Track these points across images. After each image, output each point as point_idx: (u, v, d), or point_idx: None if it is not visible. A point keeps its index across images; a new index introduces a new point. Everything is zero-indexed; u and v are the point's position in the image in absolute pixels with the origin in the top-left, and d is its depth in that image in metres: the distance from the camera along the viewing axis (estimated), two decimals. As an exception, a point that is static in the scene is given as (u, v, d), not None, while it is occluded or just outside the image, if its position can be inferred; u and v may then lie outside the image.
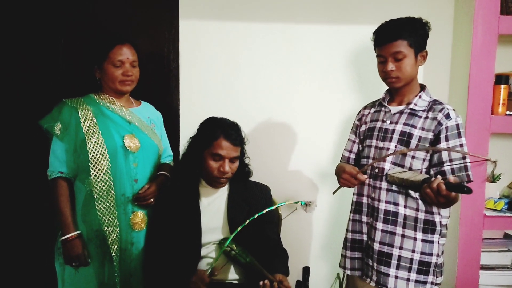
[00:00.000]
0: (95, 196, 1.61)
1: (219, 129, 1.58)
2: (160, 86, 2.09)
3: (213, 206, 1.65)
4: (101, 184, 1.61)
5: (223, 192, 1.68)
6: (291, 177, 2.17)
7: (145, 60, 2.02)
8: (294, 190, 2.16)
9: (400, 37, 1.47)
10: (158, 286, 1.59)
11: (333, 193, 1.70)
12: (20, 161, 2.05)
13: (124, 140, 1.66)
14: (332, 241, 2.18)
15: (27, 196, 2.06)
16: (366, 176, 1.56)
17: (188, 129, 2.07)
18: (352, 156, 1.76)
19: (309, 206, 1.45)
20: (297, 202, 1.41)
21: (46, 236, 1.84)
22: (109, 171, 1.63)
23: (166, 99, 2.09)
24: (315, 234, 2.21)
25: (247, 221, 1.47)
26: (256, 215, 1.47)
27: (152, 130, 1.81)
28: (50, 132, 1.63)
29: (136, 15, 2.05)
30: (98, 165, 1.61)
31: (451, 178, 1.28)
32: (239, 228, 1.46)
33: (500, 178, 2.05)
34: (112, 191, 1.63)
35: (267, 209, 1.53)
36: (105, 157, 1.62)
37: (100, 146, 1.62)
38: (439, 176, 1.34)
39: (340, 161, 1.81)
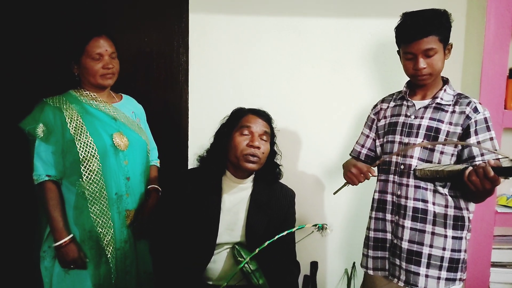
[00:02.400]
0: (87, 198, 1.56)
1: (246, 109, 1.60)
2: (169, 80, 2.09)
3: (233, 204, 1.57)
4: (93, 185, 1.57)
5: (246, 190, 1.60)
6: (301, 174, 2.16)
7: (154, 54, 2.05)
8: (303, 188, 2.14)
9: (432, 33, 1.40)
10: (168, 281, 1.54)
11: (334, 193, 1.64)
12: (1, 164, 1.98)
13: (113, 139, 1.62)
14: (342, 236, 2.17)
15: (7, 200, 2.00)
16: (375, 173, 1.53)
17: (197, 123, 2.11)
18: (364, 151, 1.70)
19: (324, 230, 1.40)
20: (315, 225, 1.37)
21: (28, 240, 1.76)
22: (100, 171, 1.58)
23: (175, 93, 2.09)
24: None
25: (266, 243, 1.37)
26: (276, 236, 1.36)
27: (138, 126, 1.76)
28: (32, 134, 1.55)
29: (145, 8, 2.04)
30: (89, 165, 1.55)
31: (492, 162, 1.23)
32: (257, 250, 1.36)
33: (513, 174, 2.01)
34: (104, 191, 1.58)
35: (283, 233, 1.40)
36: (96, 157, 1.57)
37: (89, 146, 1.57)
38: (481, 163, 1.29)
39: (350, 154, 1.76)
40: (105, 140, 1.61)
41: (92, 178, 1.57)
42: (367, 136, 1.70)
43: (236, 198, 1.58)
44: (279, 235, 1.37)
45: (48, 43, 1.96)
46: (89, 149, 1.57)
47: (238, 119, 1.57)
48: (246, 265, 1.50)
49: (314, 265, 2.13)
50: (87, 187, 1.56)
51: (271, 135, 1.60)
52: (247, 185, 1.61)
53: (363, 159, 1.71)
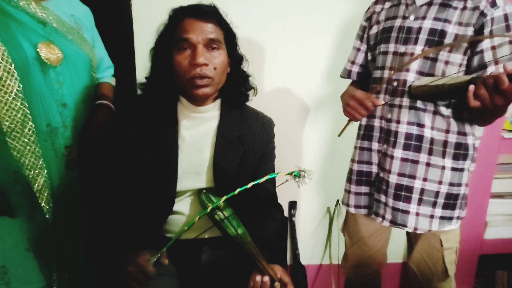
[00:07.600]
0: (5, 130, 1.16)
1: (182, 10, 1.12)
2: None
3: (195, 140, 1.19)
4: (12, 113, 1.15)
5: (211, 122, 1.21)
6: (280, 100, 1.80)
7: None
8: (281, 116, 1.80)
9: None
10: (103, 244, 1.16)
11: (339, 135, 1.33)
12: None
13: (38, 50, 1.19)
14: (323, 172, 1.89)
15: None
16: (382, 101, 1.20)
17: (144, 35, 1.63)
18: (356, 69, 1.38)
19: (302, 178, 1.06)
20: (290, 173, 1.02)
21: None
22: (20, 95, 1.16)
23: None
24: (306, 165, 1.90)
25: (237, 190, 1.02)
26: (250, 184, 1.02)
27: (79, 34, 1.32)
28: None
29: None
30: (4, 86, 1.14)
31: (509, 68, 0.91)
32: (231, 194, 1.01)
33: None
34: (29, 122, 1.18)
35: (256, 182, 1.03)
36: (12, 75, 1.14)
37: (2, 59, 1.13)
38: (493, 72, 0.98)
39: (340, 75, 1.44)
40: (26, 51, 1.16)
41: (9, 103, 1.14)
42: (358, 50, 1.36)
43: (198, 132, 1.19)
44: (253, 182, 1.02)
45: None
46: (1, 63, 1.11)
47: (174, 28, 1.11)
48: (218, 212, 1.16)
49: (292, 205, 1.86)
50: (3, 116, 1.14)
51: (225, 38, 1.15)
52: (212, 113, 1.21)
53: (355, 78, 1.38)
